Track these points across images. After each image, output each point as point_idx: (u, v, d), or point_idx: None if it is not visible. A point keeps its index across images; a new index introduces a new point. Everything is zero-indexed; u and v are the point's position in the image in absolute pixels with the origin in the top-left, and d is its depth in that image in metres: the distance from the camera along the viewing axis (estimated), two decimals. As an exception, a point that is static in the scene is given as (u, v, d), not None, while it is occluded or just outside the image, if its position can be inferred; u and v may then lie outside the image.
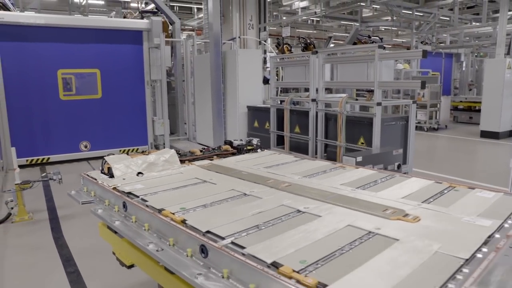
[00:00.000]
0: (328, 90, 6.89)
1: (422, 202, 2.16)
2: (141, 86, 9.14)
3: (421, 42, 16.60)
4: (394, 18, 15.07)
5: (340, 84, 6.58)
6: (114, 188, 2.53)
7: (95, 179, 2.75)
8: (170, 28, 10.22)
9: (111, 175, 2.81)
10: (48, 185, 6.51)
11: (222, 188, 2.51)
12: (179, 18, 10.83)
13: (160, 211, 2.04)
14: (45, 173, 5.14)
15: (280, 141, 6.91)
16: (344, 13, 16.22)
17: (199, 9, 17.17)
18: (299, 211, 2.05)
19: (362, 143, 5.44)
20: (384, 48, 5.22)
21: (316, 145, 6.12)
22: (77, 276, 3.66)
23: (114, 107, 8.87)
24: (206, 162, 3.33)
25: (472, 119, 14.32)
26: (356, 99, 6.25)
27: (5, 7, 8.24)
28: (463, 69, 18.25)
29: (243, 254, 1.51)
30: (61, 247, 4.30)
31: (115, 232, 2.38)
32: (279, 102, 6.95)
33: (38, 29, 7.96)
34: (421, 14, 16.19)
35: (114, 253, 2.70)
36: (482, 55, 20.48)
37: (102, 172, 2.90)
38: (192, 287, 1.56)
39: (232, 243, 1.64)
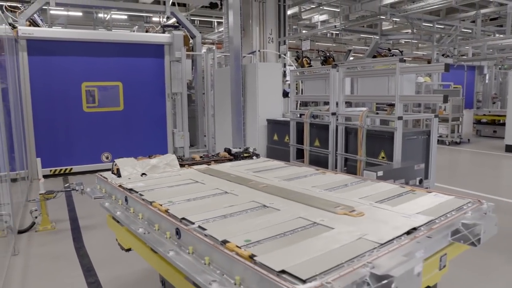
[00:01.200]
0: (348, 104, 6.85)
1: (376, 202, 2.41)
2: (162, 99, 9.30)
3: (442, 55, 16.37)
4: (415, 31, 14.96)
5: (360, 98, 6.54)
6: (120, 186, 2.94)
7: (106, 178, 3.20)
8: (191, 42, 10.39)
9: (119, 175, 3.25)
10: (71, 195, 6.64)
11: (209, 187, 2.89)
12: (200, 32, 11.01)
13: (151, 203, 2.43)
14: (68, 184, 5.25)
15: (299, 155, 6.88)
16: (363, 26, 16.20)
17: (219, 23, 17.43)
18: (264, 206, 2.38)
19: (383, 158, 5.38)
20: (405, 61, 5.17)
21: (336, 159, 6.07)
22: (97, 287, 3.70)
23: (135, 119, 9.03)
24: (203, 166, 3.72)
25: (496, 133, 13.98)
26: (377, 113, 6.19)
27: (35, 24, 8.56)
28: (486, 81, 17.90)
29: (205, 235, 1.87)
30: (82, 257, 4.36)
31: (118, 222, 2.82)
32: (298, 116, 6.94)
33: (64, 43, 8.23)
34: (442, 26, 16.01)
35: (116, 240, 3.12)
36: (507, 68, 20.07)
37: (112, 173, 3.33)
38: (168, 262, 1.98)
39: (199, 227, 1.99)
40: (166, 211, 2.25)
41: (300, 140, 6.81)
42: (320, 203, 2.38)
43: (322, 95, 6.63)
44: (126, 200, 2.73)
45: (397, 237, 1.81)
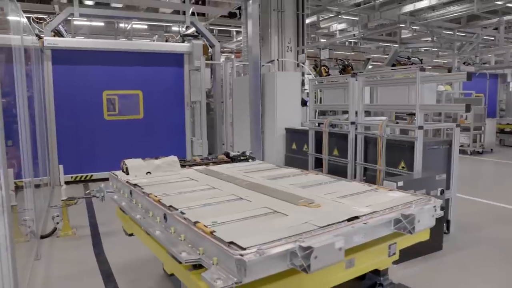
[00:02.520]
0: (367, 113, 6.78)
1: (338, 197, 2.72)
2: (181, 107, 9.40)
3: (464, 63, 16.09)
4: (435, 39, 14.75)
5: (380, 107, 6.48)
6: (127, 182, 3.41)
7: (117, 176, 3.72)
8: (210, 51, 10.48)
9: (128, 173, 3.72)
10: (91, 202, 6.74)
11: (200, 183, 3.35)
12: (219, 41, 11.11)
13: (148, 195, 2.88)
14: (88, 190, 5.34)
15: (318, 164, 6.83)
16: (382, 35, 16.06)
17: (238, 32, 17.56)
18: (240, 198, 2.80)
19: (403, 167, 5.29)
20: (425, 70, 5.11)
21: (355, 168, 6.01)
22: (117, 293, 3.74)
23: (154, 127, 9.14)
24: (202, 167, 4.13)
25: (521, 142, 13.62)
26: (397, 122, 6.11)
27: (59, 34, 8.80)
28: (510, 90, 17.49)
29: (184, 218, 2.29)
30: (102, 263, 4.41)
31: (123, 212, 3.32)
32: (317, 125, 6.91)
33: (87, 53, 8.43)
34: (463, 34, 15.73)
35: (122, 227, 3.61)
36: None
37: (122, 171, 3.82)
38: (156, 240, 2.47)
39: (180, 212, 2.42)
40: (159, 201, 2.69)
41: (318, 149, 6.77)
42: (287, 197, 2.73)
43: (341, 104, 6.60)
44: (131, 193, 3.22)
45: (337, 222, 2.15)
